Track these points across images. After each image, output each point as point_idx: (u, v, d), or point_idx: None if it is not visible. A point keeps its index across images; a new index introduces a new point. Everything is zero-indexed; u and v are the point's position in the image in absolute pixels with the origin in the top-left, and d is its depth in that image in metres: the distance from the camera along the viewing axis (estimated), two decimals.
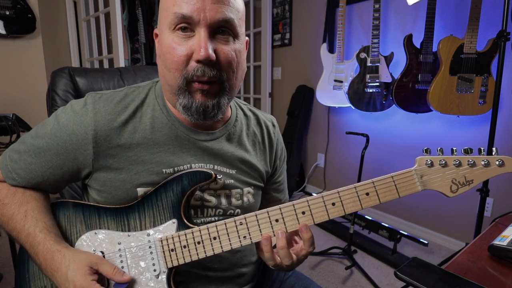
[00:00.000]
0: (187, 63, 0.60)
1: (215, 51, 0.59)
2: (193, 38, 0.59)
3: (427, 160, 0.58)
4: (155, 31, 0.68)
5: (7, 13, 2.17)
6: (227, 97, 0.65)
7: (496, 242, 0.72)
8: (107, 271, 0.59)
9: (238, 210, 0.75)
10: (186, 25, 0.59)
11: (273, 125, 0.85)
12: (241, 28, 0.64)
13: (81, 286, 0.56)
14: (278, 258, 0.61)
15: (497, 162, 0.56)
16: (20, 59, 2.30)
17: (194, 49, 0.59)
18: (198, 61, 0.59)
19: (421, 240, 2.00)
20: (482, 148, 0.57)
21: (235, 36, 0.63)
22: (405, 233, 2.05)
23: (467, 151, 0.56)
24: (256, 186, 0.78)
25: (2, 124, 1.51)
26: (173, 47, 0.60)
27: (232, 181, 0.74)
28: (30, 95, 2.34)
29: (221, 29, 0.61)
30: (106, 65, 2.91)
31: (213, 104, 0.63)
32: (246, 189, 0.76)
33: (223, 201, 0.73)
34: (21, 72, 2.31)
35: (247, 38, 0.69)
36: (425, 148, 0.58)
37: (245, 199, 0.75)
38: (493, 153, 0.57)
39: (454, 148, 0.58)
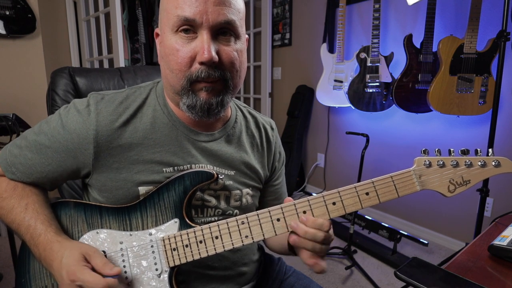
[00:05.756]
0: (191, 64, 0.61)
1: (217, 52, 0.60)
2: (196, 40, 0.60)
3: (425, 161, 0.59)
4: (156, 30, 0.68)
5: (7, 13, 2.17)
6: (230, 95, 0.67)
7: (496, 242, 0.72)
8: (97, 264, 0.58)
9: (236, 211, 0.75)
10: (188, 27, 0.60)
11: (272, 128, 0.85)
12: (242, 28, 0.65)
13: (73, 271, 0.56)
14: (310, 242, 0.59)
15: (493, 163, 0.57)
16: (20, 59, 2.30)
17: (197, 51, 0.60)
18: (201, 63, 0.60)
19: (421, 240, 2.00)
20: (479, 149, 0.58)
21: (237, 36, 0.64)
22: (405, 233, 2.06)
23: (464, 152, 0.58)
24: (254, 188, 0.79)
25: (2, 124, 1.51)
26: (176, 49, 0.60)
27: (231, 182, 0.74)
28: (30, 95, 2.34)
29: (223, 30, 0.61)
30: (106, 65, 2.91)
31: (217, 102, 0.64)
32: (245, 190, 0.76)
33: (222, 202, 0.73)
34: (21, 72, 2.31)
35: (246, 36, 0.69)
36: (423, 149, 0.59)
37: (243, 200, 0.76)
38: (489, 154, 0.58)
39: (452, 149, 0.59)
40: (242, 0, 0.66)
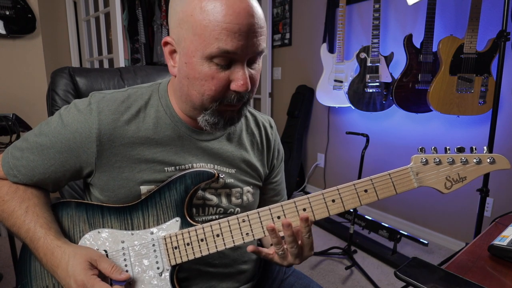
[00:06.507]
0: (225, 91, 0.61)
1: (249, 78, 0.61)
2: (232, 68, 0.60)
3: (422, 158, 0.60)
4: (167, 40, 0.64)
5: (7, 13, 2.17)
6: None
7: (496, 242, 0.72)
8: (106, 268, 0.60)
9: (238, 209, 0.76)
10: (225, 59, 0.59)
11: (271, 126, 0.86)
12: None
13: (82, 281, 0.57)
14: (285, 245, 0.62)
15: (488, 160, 0.59)
16: (20, 59, 2.30)
17: (233, 79, 0.60)
18: (236, 91, 0.61)
19: (421, 240, 2.00)
20: (474, 147, 0.60)
21: (260, 57, 0.64)
22: (405, 233, 2.06)
23: (460, 150, 0.59)
24: (255, 185, 0.80)
25: (2, 124, 1.51)
26: (211, 77, 0.59)
27: (232, 180, 0.75)
28: (30, 95, 2.34)
29: (255, 58, 0.62)
30: (106, 65, 2.91)
31: (238, 117, 0.67)
32: (246, 188, 0.77)
33: (224, 200, 0.74)
34: (21, 72, 2.31)
35: None
36: (420, 147, 0.61)
37: (244, 198, 0.77)
38: (484, 152, 0.60)
39: (448, 147, 0.61)
40: None
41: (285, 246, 0.62)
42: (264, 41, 0.61)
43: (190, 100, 0.65)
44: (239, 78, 0.59)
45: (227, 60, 0.59)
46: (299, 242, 0.62)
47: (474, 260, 0.71)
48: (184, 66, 0.62)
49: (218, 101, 0.62)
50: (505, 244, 0.70)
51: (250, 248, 0.63)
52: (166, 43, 0.64)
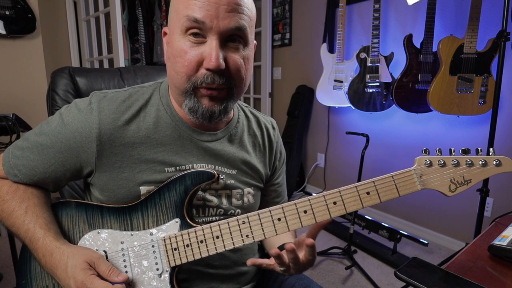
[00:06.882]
0: (197, 69, 0.60)
1: (225, 59, 0.60)
2: (205, 45, 0.60)
3: (426, 160, 0.59)
4: (164, 29, 0.68)
5: (7, 13, 2.17)
6: (234, 102, 0.67)
7: (496, 242, 0.72)
8: (103, 271, 0.59)
9: (238, 210, 0.75)
10: (198, 30, 0.59)
11: (273, 128, 0.86)
12: (251, 35, 0.65)
13: (82, 281, 0.56)
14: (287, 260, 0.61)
15: (494, 162, 0.57)
16: (20, 59, 2.30)
17: (205, 57, 0.59)
18: (208, 69, 0.59)
19: (421, 240, 2.00)
20: (479, 149, 0.58)
21: (246, 43, 0.63)
22: (405, 233, 2.06)
23: (465, 151, 0.58)
24: (256, 187, 0.79)
25: (2, 124, 1.51)
26: (184, 51, 0.60)
27: (233, 181, 0.74)
28: (30, 95, 2.34)
29: (232, 37, 0.61)
30: (106, 65, 2.91)
31: (220, 110, 0.64)
32: (247, 190, 0.77)
33: (224, 201, 0.73)
34: (21, 72, 2.31)
35: (255, 42, 0.69)
36: (424, 148, 0.59)
37: (245, 199, 0.76)
38: (490, 153, 0.58)
39: (453, 149, 0.59)
40: (254, 6, 0.65)
41: (286, 262, 0.61)
42: (243, 20, 0.60)
43: (173, 83, 0.65)
44: (210, 53, 0.58)
45: (198, 31, 0.59)
46: (301, 259, 0.61)
47: (474, 260, 0.71)
48: (168, 47, 0.64)
49: (193, 81, 0.61)
50: (505, 244, 0.70)
51: (249, 262, 0.62)
52: (165, 33, 0.68)
